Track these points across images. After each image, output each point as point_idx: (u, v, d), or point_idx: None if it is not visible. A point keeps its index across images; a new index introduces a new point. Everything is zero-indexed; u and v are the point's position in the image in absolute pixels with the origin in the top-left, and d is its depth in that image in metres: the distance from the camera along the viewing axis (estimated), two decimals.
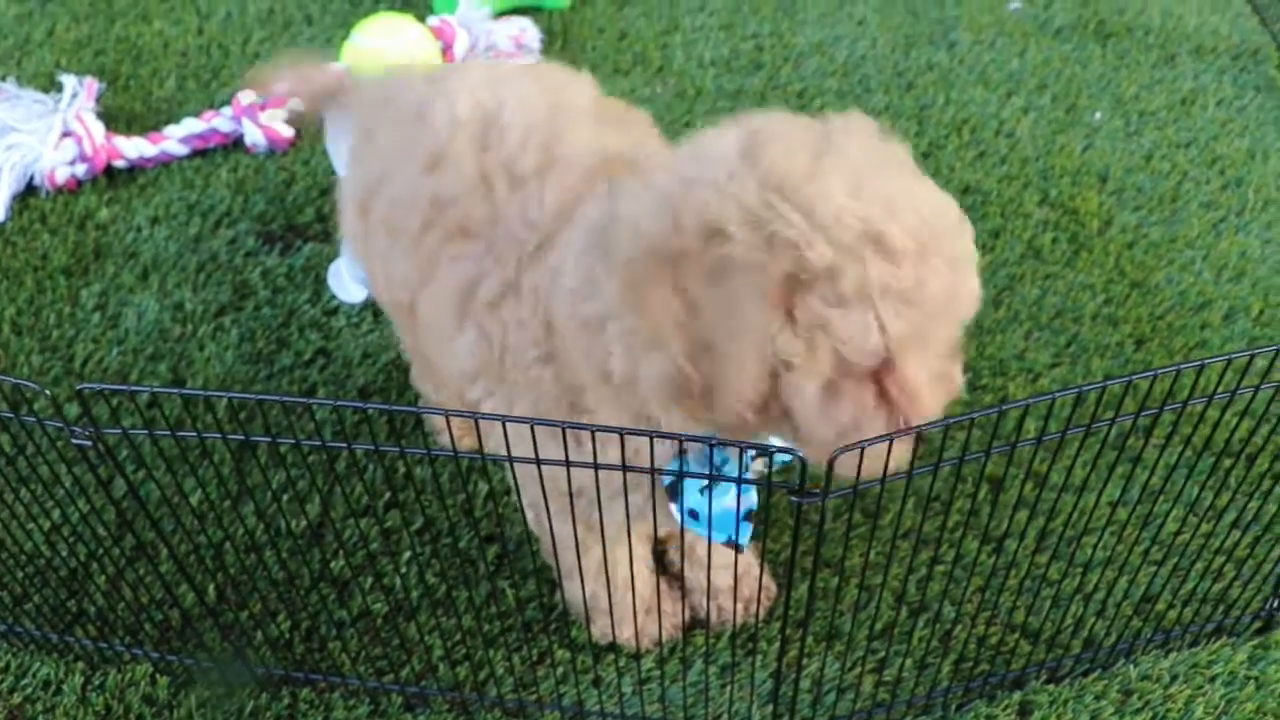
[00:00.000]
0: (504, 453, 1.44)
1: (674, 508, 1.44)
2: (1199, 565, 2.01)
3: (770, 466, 1.43)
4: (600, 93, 1.80)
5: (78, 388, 1.38)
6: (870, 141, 1.29)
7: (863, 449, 1.24)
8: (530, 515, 1.78)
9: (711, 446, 1.30)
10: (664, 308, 1.22)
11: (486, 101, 1.67)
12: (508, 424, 1.35)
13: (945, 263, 1.24)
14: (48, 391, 1.39)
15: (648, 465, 1.34)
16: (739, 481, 1.35)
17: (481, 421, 1.43)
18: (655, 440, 1.30)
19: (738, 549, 1.43)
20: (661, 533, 1.88)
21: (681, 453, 1.38)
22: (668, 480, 1.43)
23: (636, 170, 1.45)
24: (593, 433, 1.30)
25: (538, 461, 1.33)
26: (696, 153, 1.29)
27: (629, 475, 1.38)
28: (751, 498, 1.43)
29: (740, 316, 1.21)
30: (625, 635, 1.91)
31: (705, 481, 1.38)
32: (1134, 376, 1.39)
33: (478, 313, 1.55)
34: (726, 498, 1.42)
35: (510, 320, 1.51)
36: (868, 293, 1.19)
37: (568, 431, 1.29)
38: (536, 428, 1.30)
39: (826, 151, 1.23)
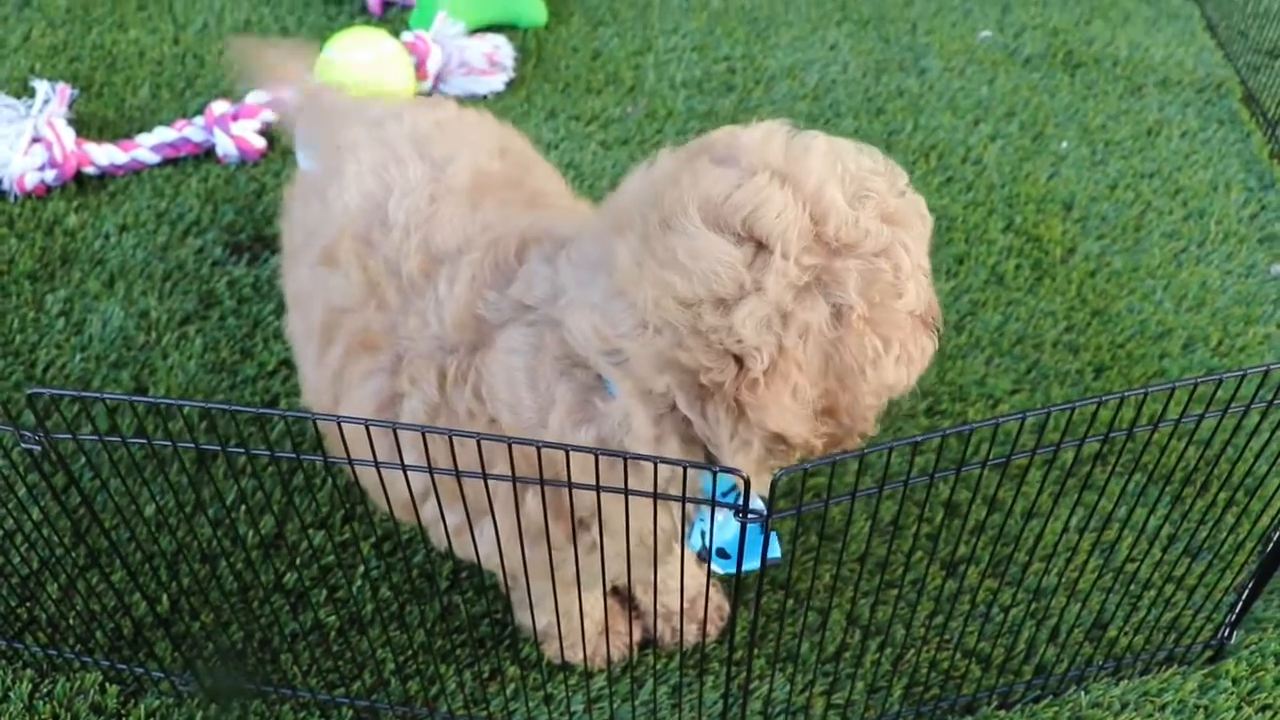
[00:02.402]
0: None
1: (713, 566, 1.43)
2: (1151, 593, 2.03)
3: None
4: (500, 140, 1.82)
5: (29, 392, 1.37)
6: (799, 139, 1.29)
7: (834, 462, 1.25)
8: (505, 577, 1.77)
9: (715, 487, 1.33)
10: (785, 416, 1.25)
11: (374, 190, 1.70)
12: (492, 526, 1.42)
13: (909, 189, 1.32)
14: None
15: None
16: (738, 509, 1.33)
17: (470, 522, 1.47)
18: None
19: (777, 563, 1.42)
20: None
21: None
22: (697, 547, 1.42)
23: (540, 244, 1.47)
24: (600, 526, 1.33)
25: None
26: (686, 253, 1.22)
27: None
28: (758, 504, 1.42)
29: (852, 374, 1.26)
30: (578, 656, 1.91)
31: (722, 519, 1.38)
32: (1079, 402, 1.40)
33: (407, 433, 1.49)
34: (733, 524, 1.42)
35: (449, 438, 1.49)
36: (916, 262, 1.27)
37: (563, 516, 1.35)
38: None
39: (792, 175, 1.24)
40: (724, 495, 1.39)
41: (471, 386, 1.44)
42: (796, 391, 1.24)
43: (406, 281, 1.57)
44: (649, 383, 1.28)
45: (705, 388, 1.26)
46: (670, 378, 1.27)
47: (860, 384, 1.26)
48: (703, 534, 1.39)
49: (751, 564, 1.39)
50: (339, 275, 1.64)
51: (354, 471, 1.52)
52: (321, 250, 1.68)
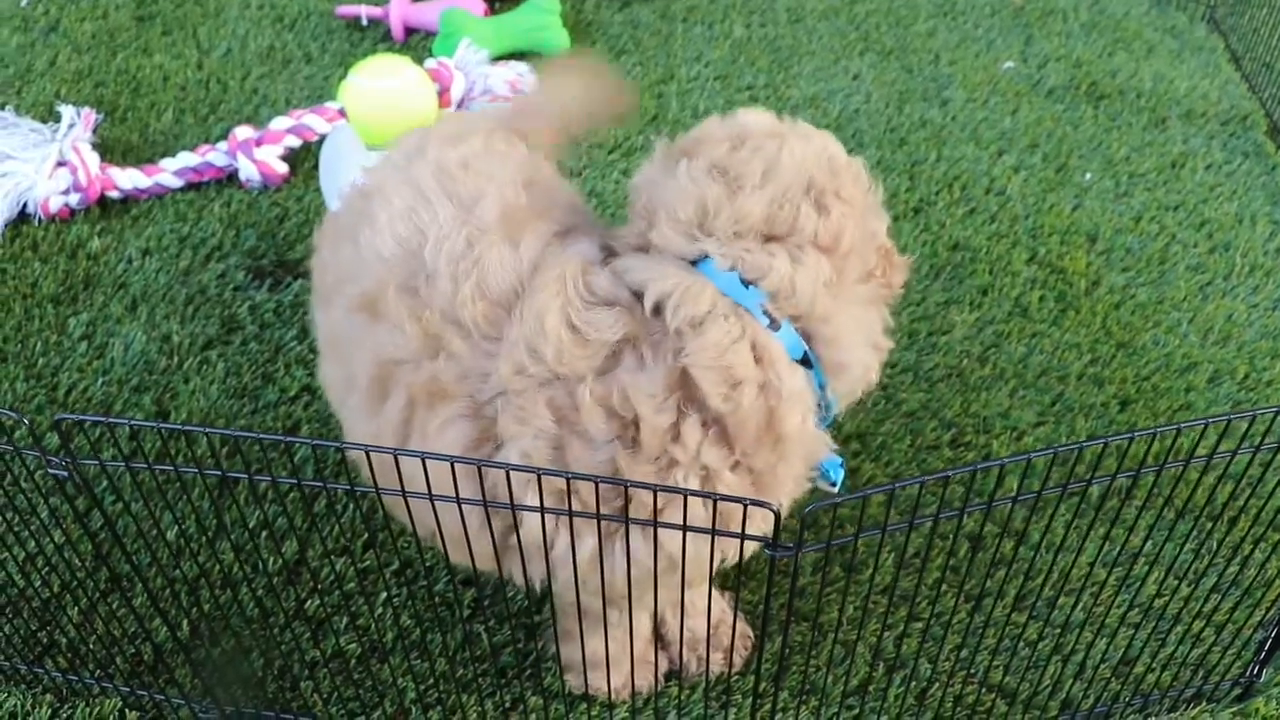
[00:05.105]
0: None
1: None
2: (1179, 629, 2.01)
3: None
4: (526, 171, 1.81)
5: (56, 418, 1.37)
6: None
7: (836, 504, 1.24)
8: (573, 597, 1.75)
9: None
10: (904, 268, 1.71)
11: (408, 236, 1.68)
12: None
13: None
14: (27, 420, 1.39)
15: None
16: None
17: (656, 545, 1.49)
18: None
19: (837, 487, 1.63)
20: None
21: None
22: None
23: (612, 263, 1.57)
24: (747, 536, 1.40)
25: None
26: (858, 194, 1.62)
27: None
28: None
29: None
30: (603, 686, 1.89)
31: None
32: (1111, 438, 1.39)
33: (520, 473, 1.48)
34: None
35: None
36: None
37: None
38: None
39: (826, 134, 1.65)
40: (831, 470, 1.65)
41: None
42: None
43: (472, 328, 1.56)
44: (857, 298, 1.61)
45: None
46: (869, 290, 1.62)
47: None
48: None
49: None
50: (387, 328, 1.62)
51: (407, 518, 1.51)
52: (360, 298, 1.66)
